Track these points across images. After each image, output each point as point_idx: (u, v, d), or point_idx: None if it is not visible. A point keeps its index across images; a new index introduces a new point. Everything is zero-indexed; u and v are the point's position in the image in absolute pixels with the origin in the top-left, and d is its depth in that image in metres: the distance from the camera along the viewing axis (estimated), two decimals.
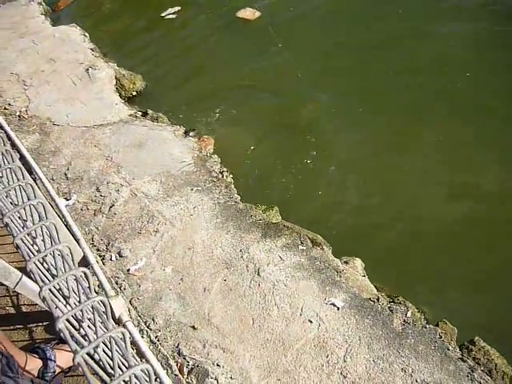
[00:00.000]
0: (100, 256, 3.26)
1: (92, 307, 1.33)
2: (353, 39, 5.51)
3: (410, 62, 5.09)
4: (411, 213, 3.85)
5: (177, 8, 6.75)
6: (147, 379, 1.07)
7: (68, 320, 1.34)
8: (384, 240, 3.72)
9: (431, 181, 4.02)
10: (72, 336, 1.22)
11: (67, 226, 3.20)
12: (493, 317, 3.20)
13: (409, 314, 2.88)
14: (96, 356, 1.33)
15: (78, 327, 1.46)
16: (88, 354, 1.18)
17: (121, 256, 3.25)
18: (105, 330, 1.22)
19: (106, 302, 1.22)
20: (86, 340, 1.40)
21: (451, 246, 3.59)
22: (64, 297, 1.61)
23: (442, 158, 4.16)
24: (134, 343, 2.58)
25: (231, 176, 3.96)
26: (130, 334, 2.59)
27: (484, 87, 4.68)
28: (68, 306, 1.54)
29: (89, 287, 1.26)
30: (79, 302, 1.34)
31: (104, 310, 1.31)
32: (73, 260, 1.39)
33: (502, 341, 2.99)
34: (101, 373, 1.23)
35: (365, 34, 5.54)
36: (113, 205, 3.62)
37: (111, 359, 1.22)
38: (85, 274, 1.27)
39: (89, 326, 1.48)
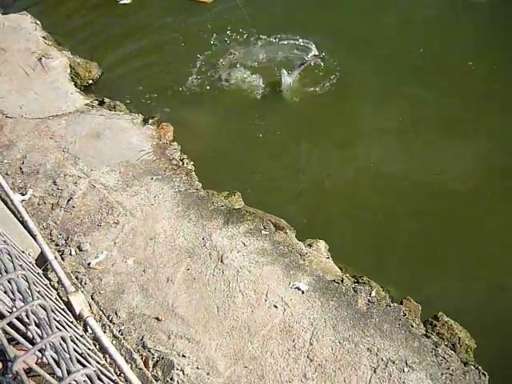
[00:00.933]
0: (59, 251, 3.17)
1: (44, 307, 1.27)
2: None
3: None
4: (375, 194, 3.86)
5: None
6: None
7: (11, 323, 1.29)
8: (347, 220, 3.72)
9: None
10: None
11: (23, 222, 3.11)
12: (455, 291, 3.25)
13: (373, 294, 2.90)
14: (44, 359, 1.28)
15: (25, 330, 1.41)
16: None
17: (81, 250, 3.17)
18: (46, 334, 1.16)
19: (45, 305, 1.16)
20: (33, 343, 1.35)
21: (413, 223, 3.63)
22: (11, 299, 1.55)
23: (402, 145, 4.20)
24: (96, 339, 2.54)
25: (192, 163, 3.90)
26: (91, 329, 2.55)
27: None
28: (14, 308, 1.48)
29: (29, 288, 1.20)
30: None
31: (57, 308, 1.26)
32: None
33: (466, 314, 3.04)
34: (47, 377, 1.18)
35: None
36: (71, 198, 3.52)
37: (57, 363, 1.17)
38: (25, 276, 1.20)
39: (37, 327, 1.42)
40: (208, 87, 4.91)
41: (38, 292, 2.19)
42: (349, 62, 4.91)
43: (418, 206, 3.72)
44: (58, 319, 1.98)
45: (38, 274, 2.68)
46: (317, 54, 5.01)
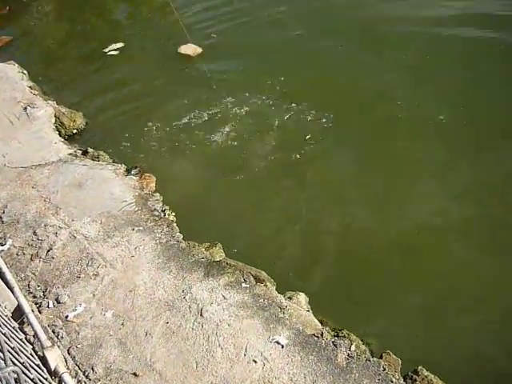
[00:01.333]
0: (36, 303, 3.13)
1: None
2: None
3: None
4: (353, 245, 3.89)
5: (120, 44, 6.73)
6: None
7: None
8: (328, 272, 3.74)
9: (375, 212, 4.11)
10: None
11: (0, 273, 3.08)
12: (436, 345, 3.24)
13: (353, 348, 2.89)
14: None
15: None
16: None
17: (59, 302, 3.13)
18: None
19: (17, 371, 1.15)
20: None
21: (393, 275, 3.65)
22: None
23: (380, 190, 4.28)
24: None
25: (174, 214, 3.91)
26: None
27: None
28: None
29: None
30: None
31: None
32: None
33: (446, 368, 3.03)
34: None
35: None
36: (50, 248, 3.50)
37: None
38: None
39: None
40: (190, 137, 4.96)
41: (13, 348, 2.16)
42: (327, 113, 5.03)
43: (396, 258, 3.75)
44: (31, 377, 1.95)
45: (13, 328, 2.64)
46: None
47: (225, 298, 3.11)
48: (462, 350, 3.21)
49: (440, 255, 3.75)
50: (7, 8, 8.12)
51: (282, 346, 2.84)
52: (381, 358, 2.90)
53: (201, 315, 3.01)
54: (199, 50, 6.33)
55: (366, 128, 4.86)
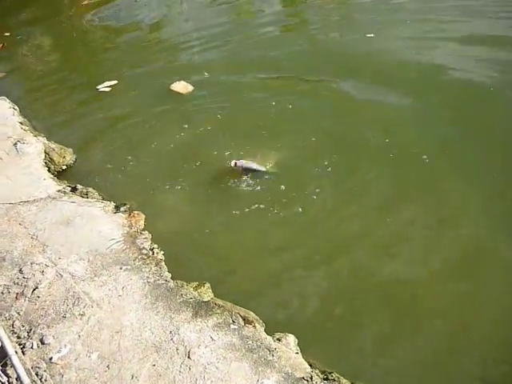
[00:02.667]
0: (20, 344, 3.06)
1: None
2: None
3: None
4: (342, 284, 3.87)
5: (113, 82, 6.80)
6: None
7: None
8: (317, 313, 3.70)
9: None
10: None
11: None
12: None
13: None
14: None
15: None
16: None
17: (43, 343, 3.07)
18: None
19: None
20: None
21: (385, 317, 3.63)
22: None
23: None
24: None
25: (162, 252, 3.88)
26: None
27: None
28: None
29: None
30: None
31: None
32: None
33: None
34: None
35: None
36: (36, 287, 3.45)
37: None
38: None
39: None
40: (181, 175, 4.97)
41: None
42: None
43: (388, 298, 3.73)
44: None
45: None
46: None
47: (213, 340, 3.07)
48: None
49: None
50: (1, 45, 8.22)
51: None
52: None
53: (188, 357, 2.96)
54: (190, 87, 6.40)
55: None
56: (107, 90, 6.66)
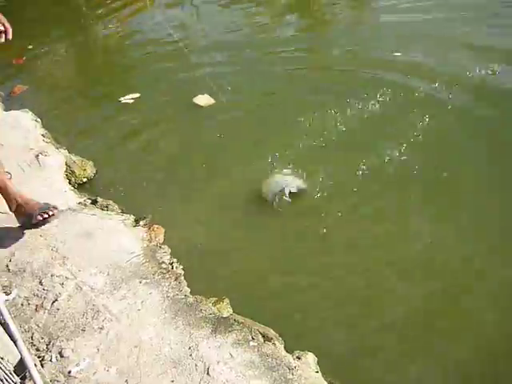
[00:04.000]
0: (39, 357, 3.06)
1: None
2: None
3: None
4: (362, 305, 3.82)
5: (136, 94, 6.86)
6: None
7: None
8: (337, 331, 3.65)
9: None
10: None
11: (4, 324, 3.03)
12: None
13: None
14: None
15: None
16: None
17: (62, 356, 3.06)
18: None
19: None
20: None
21: (405, 333, 3.57)
22: None
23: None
24: None
25: (181, 267, 3.87)
26: None
27: None
28: None
29: None
30: None
31: None
32: None
33: None
34: None
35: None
36: (56, 299, 3.46)
37: None
38: None
39: None
40: (202, 188, 4.97)
41: None
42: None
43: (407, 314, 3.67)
44: None
45: (15, 383, 2.57)
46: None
47: (232, 357, 3.04)
48: None
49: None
50: (23, 58, 8.36)
51: None
52: None
53: (207, 374, 2.93)
54: (211, 101, 6.45)
55: None
56: (130, 101, 6.73)
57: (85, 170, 5.24)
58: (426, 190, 4.70)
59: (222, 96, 6.40)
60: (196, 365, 2.99)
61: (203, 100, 6.48)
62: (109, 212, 4.45)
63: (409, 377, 3.31)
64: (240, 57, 7.74)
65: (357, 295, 3.86)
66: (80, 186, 5.10)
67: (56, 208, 4.03)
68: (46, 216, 3.95)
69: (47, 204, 4.04)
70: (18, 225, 4.10)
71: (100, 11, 10.19)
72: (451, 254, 4.07)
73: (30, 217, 3.96)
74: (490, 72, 6.26)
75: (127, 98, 6.76)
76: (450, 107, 5.75)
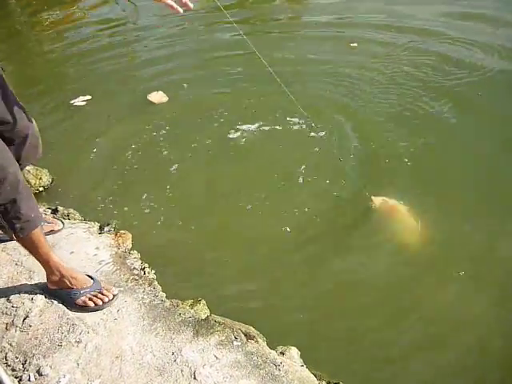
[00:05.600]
0: (16, 377, 2.93)
1: None
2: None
3: None
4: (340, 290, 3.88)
5: (88, 97, 6.68)
6: None
7: None
8: (317, 323, 3.69)
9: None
10: None
11: None
12: None
13: None
14: None
15: None
16: None
17: (40, 375, 2.94)
18: None
19: None
20: None
21: (384, 320, 3.65)
22: None
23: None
24: None
25: (153, 271, 3.81)
26: None
27: None
28: None
29: None
30: None
31: None
32: None
33: None
34: None
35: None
36: (27, 316, 3.31)
37: None
38: None
39: None
40: (167, 190, 4.91)
41: None
42: None
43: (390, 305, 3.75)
44: None
45: None
46: None
47: (217, 359, 3.01)
48: None
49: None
50: None
51: None
52: None
53: (194, 378, 2.89)
54: (165, 98, 6.37)
55: None
56: (82, 103, 6.54)
57: (40, 178, 5.06)
58: None
59: (177, 93, 6.36)
60: (182, 370, 2.94)
61: (157, 97, 6.40)
62: (71, 220, 4.32)
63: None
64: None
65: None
66: (37, 196, 4.90)
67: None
68: (99, 303, 3.30)
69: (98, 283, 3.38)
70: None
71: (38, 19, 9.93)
72: None
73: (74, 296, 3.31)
74: None
75: (79, 101, 6.57)
76: None
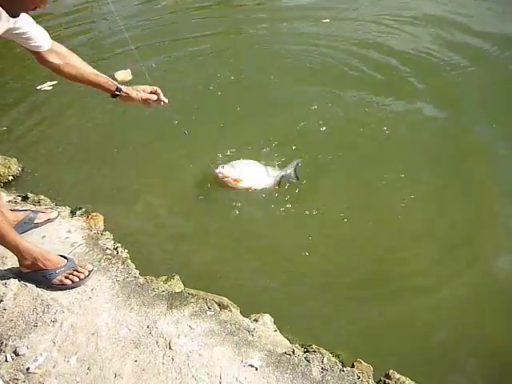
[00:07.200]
0: None
1: None
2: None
3: None
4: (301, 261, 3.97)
5: (54, 82, 6.61)
6: None
7: None
8: (288, 288, 3.79)
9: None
10: None
11: None
12: (404, 347, 3.35)
13: (325, 361, 2.92)
14: None
15: None
16: None
17: (17, 355, 2.98)
18: None
19: None
20: None
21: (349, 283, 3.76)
22: None
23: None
24: None
25: (126, 251, 3.85)
26: None
27: None
28: None
29: None
30: None
31: None
32: None
33: (416, 369, 3.14)
34: None
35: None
36: (1, 300, 3.33)
37: None
38: None
39: None
40: (130, 173, 4.93)
41: None
42: None
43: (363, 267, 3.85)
44: None
45: None
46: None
47: (192, 329, 3.07)
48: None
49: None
50: None
51: (256, 369, 2.82)
52: (353, 366, 2.95)
53: (169, 348, 2.95)
54: (129, 77, 6.35)
55: None
56: (48, 88, 6.48)
57: (9, 167, 5.03)
58: None
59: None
60: (157, 341, 3.00)
61: (122, 75, 6.37)
62: (42, 206, 4.31)
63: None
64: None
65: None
66: (7, 185, 4.92)
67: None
68: (76, 280, 3.34)
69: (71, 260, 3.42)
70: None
71: None
72: None
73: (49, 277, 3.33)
74: None
75: (45, 86, 6.50)
76: None
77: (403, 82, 6.14)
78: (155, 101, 3.41)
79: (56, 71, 3.21)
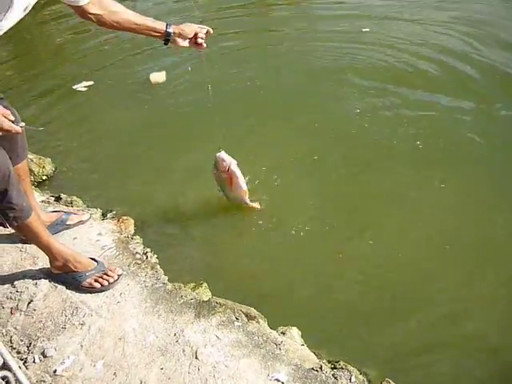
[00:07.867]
0: (22, 359, 2.98)
1: None
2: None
3: None
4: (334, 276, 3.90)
5: (90, 82, 6.70)
6: None
7: None
8: (317, 303, 3.73)
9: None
10: None
11: None
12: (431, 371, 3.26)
13: (353, 379, 2.87)
14: None
15: None
16: None
17: (45, 356, 3.00)
18: None
19: None
20: None
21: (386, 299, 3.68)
22: None
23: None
24: None
25: (156, 256, 3.84)
26: None
27: None
28: None
29: None
30: None
31: None
32: None
33: None
34: None
35: None
36: (31, 300, 3.36)
37: None
38: None
39: None
40: (164, 177, 4.93)
41: None
42: None
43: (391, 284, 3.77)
44: None
45: None
46: None
47: (219, 339, 3.05)
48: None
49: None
50: None
51: (283, 383, 2.78)
52: None
53: (196, 358, 2.93)
54: (163, 79, 6.40)
55: None
56: (84, 89, 6.57)
57: (43, 167, 5.09)
58: None
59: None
60: (183, 350, 2.99)
61: (156, 77, 6.43)
62: (74, 207, 4.35)
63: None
64: None
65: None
66: (40, 184, 4.98)
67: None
68: (105, 283, 3.37)
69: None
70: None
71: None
72: None
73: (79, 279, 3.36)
74: None
75: (80, 86, 6.59)
76: None
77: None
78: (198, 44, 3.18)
79: (99, 22, 3.02)
